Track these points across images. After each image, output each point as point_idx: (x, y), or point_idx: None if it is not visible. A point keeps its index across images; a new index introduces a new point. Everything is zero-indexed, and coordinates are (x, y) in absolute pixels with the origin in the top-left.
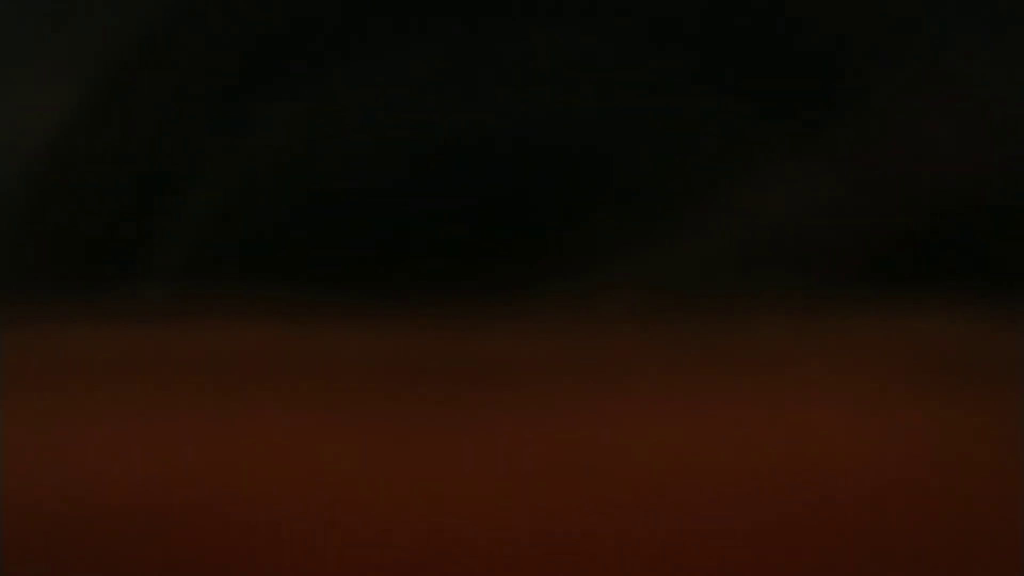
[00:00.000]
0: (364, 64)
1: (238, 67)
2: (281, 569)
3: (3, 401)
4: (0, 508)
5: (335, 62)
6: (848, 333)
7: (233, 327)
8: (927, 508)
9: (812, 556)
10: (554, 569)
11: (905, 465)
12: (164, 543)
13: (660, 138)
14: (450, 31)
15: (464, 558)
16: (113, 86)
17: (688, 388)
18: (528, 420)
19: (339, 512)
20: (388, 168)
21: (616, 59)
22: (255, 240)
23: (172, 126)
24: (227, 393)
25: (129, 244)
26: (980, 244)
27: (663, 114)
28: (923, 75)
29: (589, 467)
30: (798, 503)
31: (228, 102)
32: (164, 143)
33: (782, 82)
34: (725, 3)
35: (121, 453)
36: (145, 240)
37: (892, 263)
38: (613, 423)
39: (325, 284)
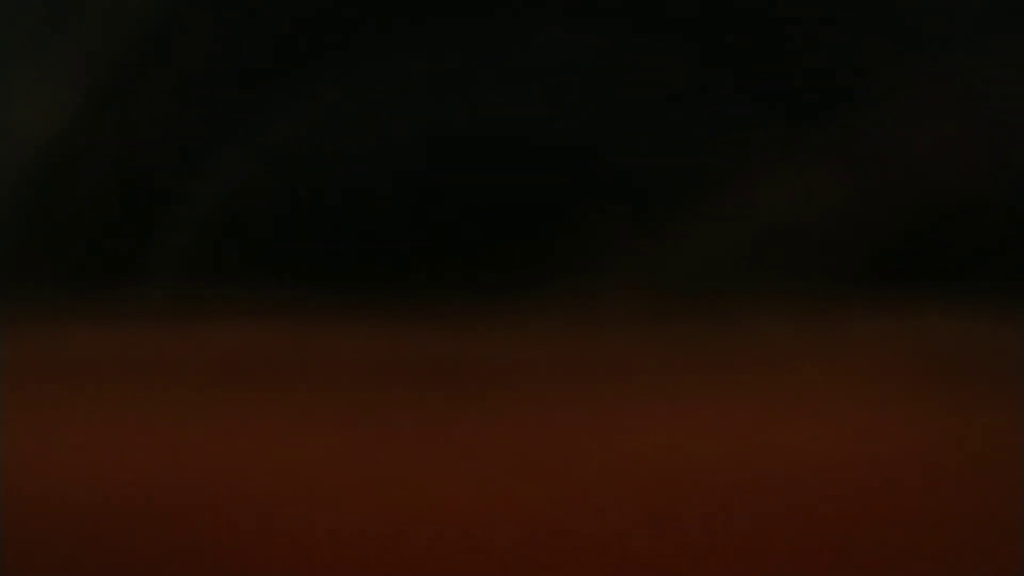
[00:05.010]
0: (364, 64)
1: (238, 67)
2: (281, 569)
3: (3, 401)
4: (0, 508)
5: (335, 62)
6: (848, 333)
7: (233, 327)
8: (927, 508)
9: (812, 556)
10: (554, 569)
11: (905, 465)
12: (164, 543)
13: (661, 138)
14: (450, 30)
15: (464, 558)
16: (113, 85)
17: (688, 388)
18: (528, 420)
19: (339, 512)
20: (388, 168)
21: (617, 59)
22: (255, 240)
23: (172, 126)
24: (227, 393)
25: (129, 244)
26: (980, 244)
27: (663, 114)
28: (924, 75)
29: (589, 467)
30: (797, 503)
31: (228, 101)
32: (164, 142)
33: (782, 81)
34: (725, 2)
35: (121, 453)
36: (145, 239)
37: (892, 263)
38: (613, 423)
39: (325, 284)
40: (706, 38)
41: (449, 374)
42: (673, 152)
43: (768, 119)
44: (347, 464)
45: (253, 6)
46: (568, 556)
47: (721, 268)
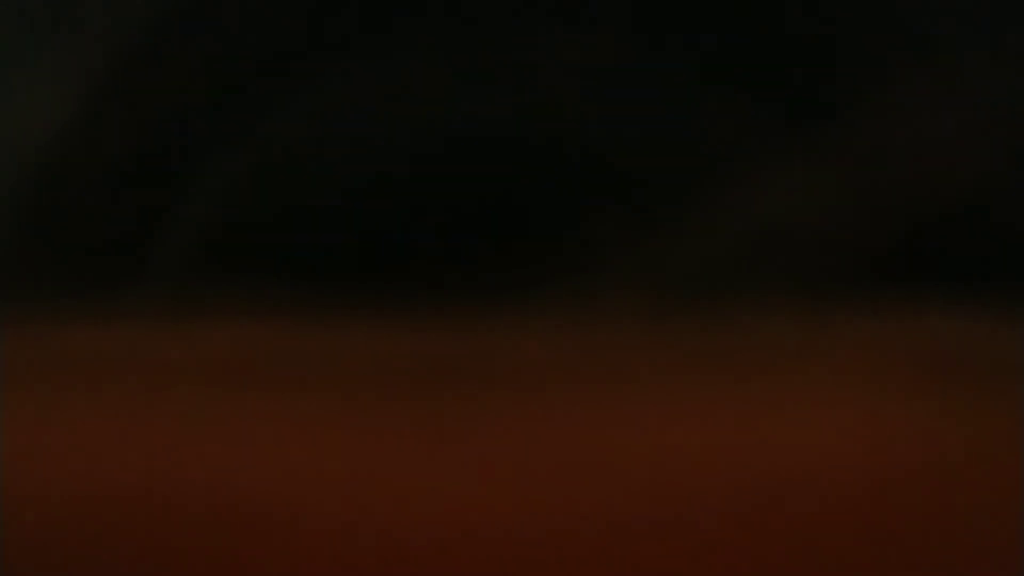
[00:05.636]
0: (364, 63)
1: (238, 66)
2: (281, 569)
3: (3, 401)
4: (0, 508)
5: (336, 61)
6: (848, 333)
7: (233, 327)
8: (927, 508)
9: (812, 556)
10: (555, 569)
11: (905, 465)
12: (164, 542)
13: (661, 138)
14: (450, 30)
15: (465, 558)
16: (113, 86)
17: (688, 388)
18: (528, 420)
19: (339, 512)
20: (388, 168)
21: (617, 59)
22: (256, 240)
23: (172, 126)
24: (227, 393)
25: (129, 244)
26: (979, 244)
27: (664, 114)
28: (923, 75)
29: (589, 467)
30: (798, 503)
31: (228, 102)
32: (164, 142)
33: (782, 82)
34: (725, 2)
35: (121, 453)
36: (145, 240)
37: (892, 263)
38: (613, 423)
39: (325, 284)
40: (706, 38)
41: (449, 374)
42: (673, 152)
43: (768, 119)
44: (347, 464)
45: (253, 6)
46: (568, 556)
47: (721, 268)
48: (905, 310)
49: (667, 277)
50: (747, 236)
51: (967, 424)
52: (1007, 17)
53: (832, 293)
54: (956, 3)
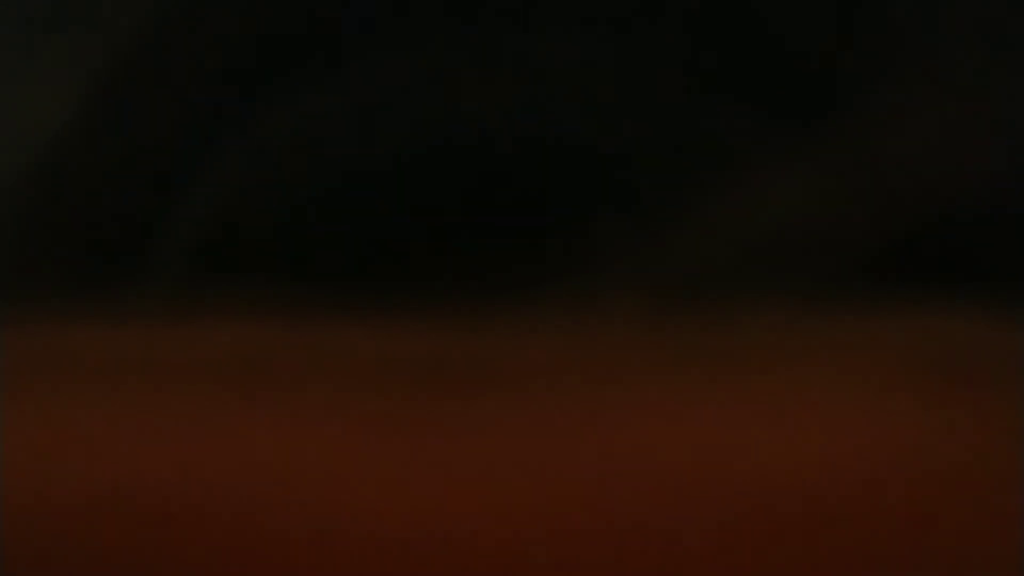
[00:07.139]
0: (364, 63)
1: (238, 66)
2: (281, 569)
3: (3, 401)
4: (0, 508)
5: (336, 61)
6: (847, 333)
7: (233, 327)
8: (926, 508)
9: (810, 556)
10: (554, 569)
11: (904, 465)
12: (164, 543)
13: (660, 138)
14: (451, 30)
15: (464, 558)
16: (113, 85)
17: (687, 388)
18: (528, 420)
19: (339, 512)
20: (388, 167)
21: (616, 59)
22: (256, 239)
23: (172, 125)
24: (227, 393)
25: (129, 244)
26: (979, 244)
27: (663, 114)
28: (922, 75)
29: (588, 467)
30: (797, 503)
31: (228, 102)
32: (164, 142)
33: (781, 82)
34: (724, 3)
35: (121, 453)
36: (145, 240)
37: (891, 263)
38: (613, 423)
39: (326, 284)
40: (706, 39)
41: (449, 374)
42: (673, 152)
43: (768, 119)
44: (347, 463)
45: (251, 7)
46: (568, 555)
47: (721, 268)
48: (905, 310)
49: (667, 277)
50: (747, 236)
51: (967, 424)
52: (1007, 18)
53: (832, 293)
54: (956, 4)
